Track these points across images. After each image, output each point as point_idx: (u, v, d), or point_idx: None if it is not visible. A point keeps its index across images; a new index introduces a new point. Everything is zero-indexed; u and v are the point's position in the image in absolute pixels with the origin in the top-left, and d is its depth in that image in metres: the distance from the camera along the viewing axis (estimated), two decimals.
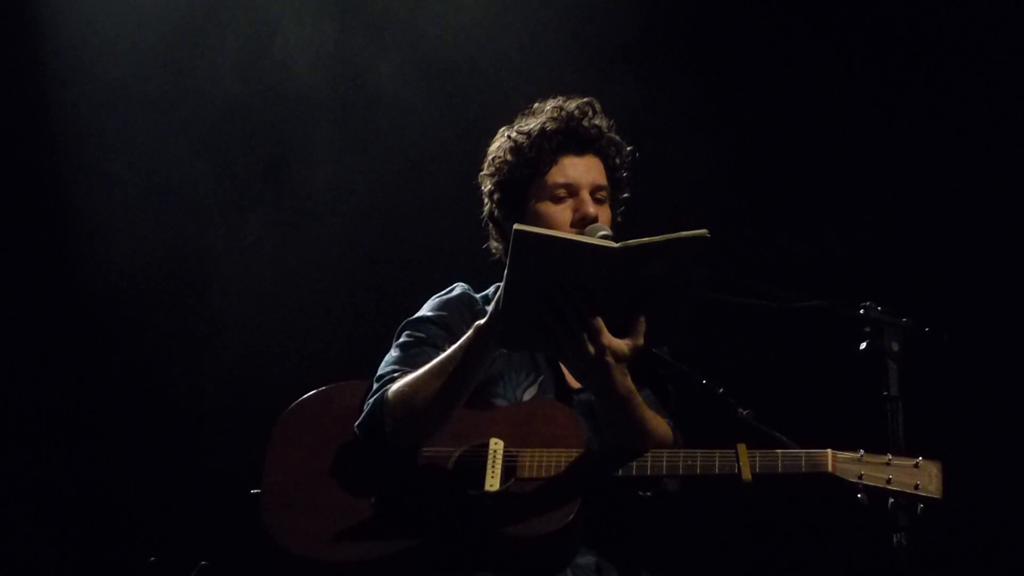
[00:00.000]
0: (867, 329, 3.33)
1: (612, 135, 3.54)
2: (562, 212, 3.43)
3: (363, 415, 3.29)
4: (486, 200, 3.59)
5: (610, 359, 3.03)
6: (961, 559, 4.66)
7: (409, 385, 3.24)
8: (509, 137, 3.53)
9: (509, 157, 3.51)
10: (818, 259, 5.04)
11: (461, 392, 3.23)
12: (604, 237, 3.28)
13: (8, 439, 5.31)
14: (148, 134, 5.51)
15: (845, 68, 5.20)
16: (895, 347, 3.29)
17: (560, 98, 3.54)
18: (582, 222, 3.41)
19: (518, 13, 5.44)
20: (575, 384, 3.43)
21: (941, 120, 5.08)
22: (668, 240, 2.95)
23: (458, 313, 3.51)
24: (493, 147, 3.57)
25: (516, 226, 2.98)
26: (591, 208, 3.42)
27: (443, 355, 3.23)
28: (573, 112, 3.49)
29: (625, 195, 3.60)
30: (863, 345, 3.34)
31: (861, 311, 3.35)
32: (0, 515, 5.24)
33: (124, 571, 4.95)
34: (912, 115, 5.11)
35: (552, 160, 3.46)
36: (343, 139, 5.52)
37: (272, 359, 5.40)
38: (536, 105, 3.56)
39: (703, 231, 2.95)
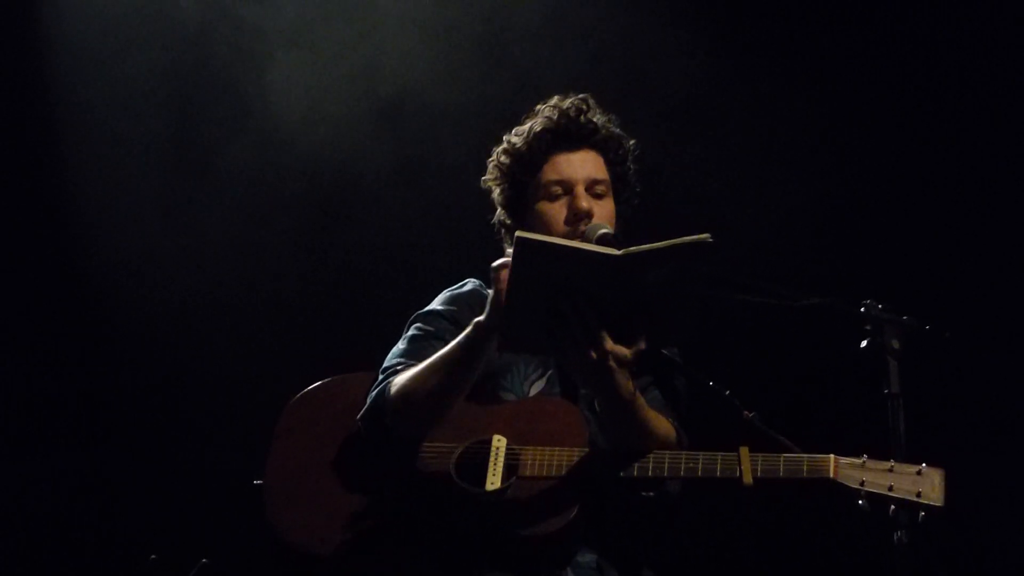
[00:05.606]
0: (868, 327, 3.31)
1: (611, 129, 3.55)
2: (558, 209, 3.46)
3: (365, 408, 3.32)
4: (496, 205, 3.63)
5: (612, 364, 3.04)
6: (961, 558, 4.67)
7: (409, 379, 3.27)
8: (506, 141, 3.58)
9: (506, 160, 3.56)
10: (818, 257, 5.04)
11: (460, 386, 3.25)
12: (603, 235, 3.30)
13: (8, 436, 5.31)
14: (151, 134, 5.51)
15: (845, 65, 5.20)
16: (896, 345, 3.27)
17: (557, 97, 3.57)
18: (575, 218, 3.42)
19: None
20: None
21: (941, 118, 5.07)
22: (671, 246, 2.95)
23: (468, 308, 3.52)
24: (493, 153, 3.62)
25: (518, 233, 2.99)
26: (584, 203, 3.43)
27: (443, 350, 3.26)
28: (566, 110, 3.52)
29: (636, 188, 3.61)
30: (864, 343, 3.33)
31: (862, 309, 3.34)
32: (1, 510, 5.25)
33: (125, 568, 4.95)
34: (912, 113, 5.11)
35: (545, 158, 3.50)
36: (355, 135, 5.52)
37: (277, 350, 5.40)
38: (538, 107, 3.59)
39: (706, 236, 2.94)
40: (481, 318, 3.17)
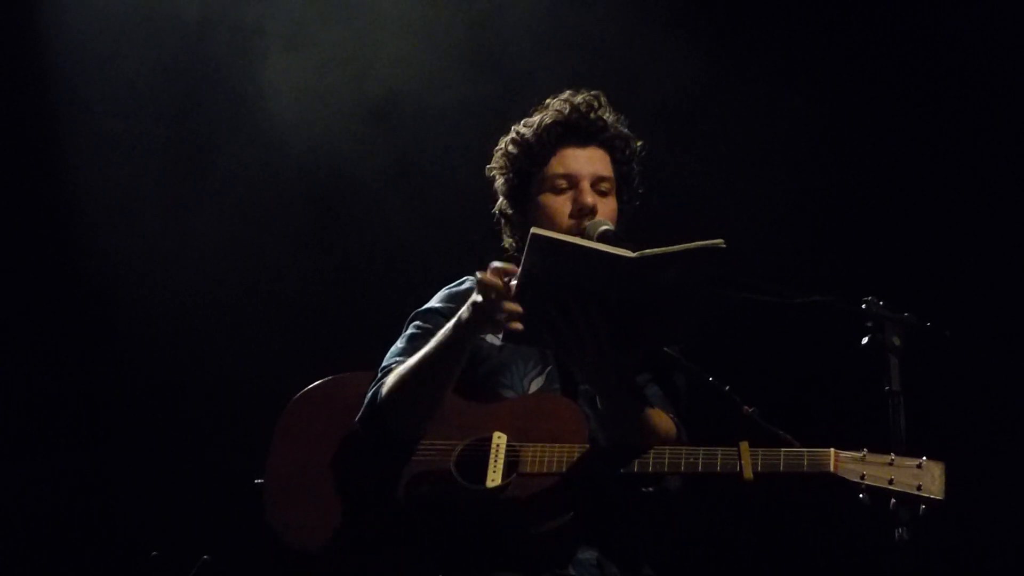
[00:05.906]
0: (869, 324, 3.32)
1: (620, 128, 3.57)
2: (563, 203, 3.47)
3: (363, 407, 3.34)
4: (498, 194, 3.63)
5: (614, 362, 3.05)
6: (962, 555, 4.67)
7: (398, 378, 3.30)
8: (515, 131, 3.58)
9: (513, 150, 3.56)
10: (819, 256, 5.04)
11: (445, 382, 3.27)
12: (604, 231, 3.32)
13: (8, 436, 5.31)
14: (150, 133, 5.51)
15: (844, 65, 5.19)
16: (896, 342, 3.27)
17: (569, 91, 3.58)
18: (580, 212, 3.44)
19: None
20: None
21: (940, 117, 5.07)
22: (685, 251, 2.96)
23: None
24: (501, 142, 3.62)
25: (533, 229, 3.01)
26: (589, 198, 3.44)
27: (427, 347, 3.28)
28: (578, 105, 3.53)
29: (640, 190, 3.62)
30: (865, 340, 3.33)
31: (863, 306, 3.34)
32: (1, 510, 5.24)
33: (125, 568, 4.95)
34: (911, 111, 5.11)
35: (553, 151, 3.51)
36: (352, 136, 5.52)
37: (277, 350, 5.39)
38: (548, 100, 3.59)
39: (719, 241, 2.96)
40: (462, 314, 3.18)
